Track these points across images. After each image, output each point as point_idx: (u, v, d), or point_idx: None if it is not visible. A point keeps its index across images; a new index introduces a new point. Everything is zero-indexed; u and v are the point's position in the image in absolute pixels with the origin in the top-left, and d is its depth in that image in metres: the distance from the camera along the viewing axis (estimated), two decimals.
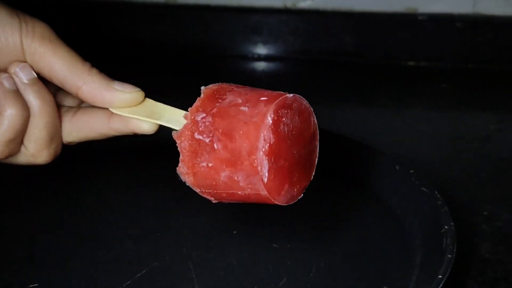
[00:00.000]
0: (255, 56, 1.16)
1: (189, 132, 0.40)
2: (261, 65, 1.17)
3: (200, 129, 0.39)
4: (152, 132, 0.45)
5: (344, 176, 0.65)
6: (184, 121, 0.41)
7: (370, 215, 0.58)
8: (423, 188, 0.57)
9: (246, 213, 0.56)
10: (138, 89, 0.44)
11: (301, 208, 0.58)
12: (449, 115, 0.92)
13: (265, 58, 1.16)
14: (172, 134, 0.42)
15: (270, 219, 0.57)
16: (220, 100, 0.40)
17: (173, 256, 0.50)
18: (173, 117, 0.43)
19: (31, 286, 0.46)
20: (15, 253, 0.51)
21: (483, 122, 0.88)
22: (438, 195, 0.55)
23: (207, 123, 0.39)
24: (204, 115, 0.39)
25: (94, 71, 0.43)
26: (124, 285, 0.46)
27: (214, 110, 0.39)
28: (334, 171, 0.66)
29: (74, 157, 0.66)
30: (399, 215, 0.57)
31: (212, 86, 0.42)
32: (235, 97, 0.40)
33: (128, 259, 0.50)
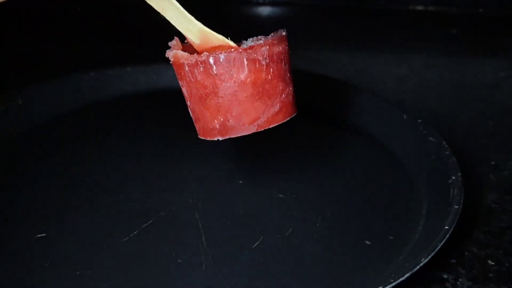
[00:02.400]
0: (260, 1, 1.13)
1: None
2: (265, 10, 1.15)
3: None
4: None
5: (351, 125, 0.64)
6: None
7: (377, 164, 0.58)
8: (431, 138, 0.56)
9: (251, 163, 0.56)
10: None
11: (307, 158, 0.59)
12: (457, 61, 0.90)
13: (270, 3, 1.13)
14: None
15: (275, 169, 0.57)
16: None
17: (179, 207, 0.50)
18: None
19: (39, 236, 0.46)
20: (21, 203, 0.51)
21: (492, 69, 0.86)
22: (446, 145, 0.54)
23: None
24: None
25: None
26: (130, 235, 0.47)
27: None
28: (340, 120, 0.65)
29: (77, 105, 0.67)
30: (406, 164, 0.56)
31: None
32: None
33: (134, 209, 0.50)
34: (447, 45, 0.95)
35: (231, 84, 0.38)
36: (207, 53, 0.37)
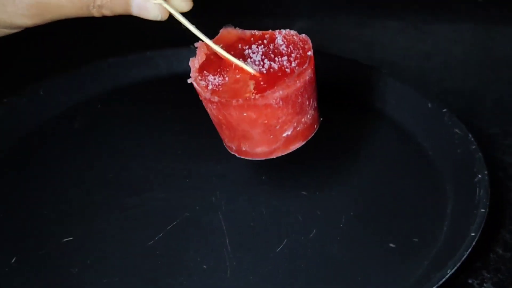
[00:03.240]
0: None
1: None
2: None
3: None
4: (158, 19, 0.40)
5: (375, 111, 0.63)
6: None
7: (402, 157, 0.57)
8: (456, 130, 0.55)
9: (273, 160, 0.56)
10: None
11: (330, 151, 0.58)
12: (484, 34, 0.87)
13: None
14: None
15: (298, 163, 0.56)
16: None
17: (202, 206, 0.50)
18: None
19: (65, 240, 0.47)
20: (44, 208, 0.51)
21: None
22: (472, 139, 0.53)
23: None
24: None
25: None
26: (156, 238, 0.47)
27: None
28: (364, 106, 0.64)
29: (98, 93, 0.66)
30: (432, 157, 0.56)
31: None
32: None
33: (159, 209, 0.50)
34: (473, 15, 0.91)
35: (243, 123, 0.38)
36: (218, 98, 0.37)
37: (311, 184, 0.53)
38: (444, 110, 0.58)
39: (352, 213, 0.49)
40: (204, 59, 0.41)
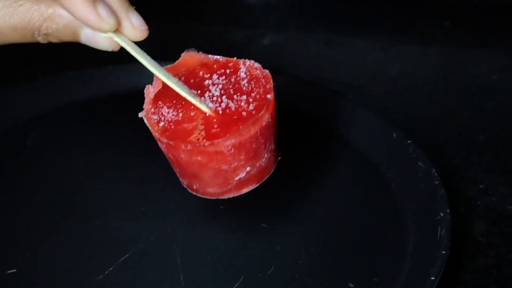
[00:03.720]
0: None
1: None
2: None
3: None
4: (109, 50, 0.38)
5: (339, 137, 0.62)
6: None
7: (365, 187, 0.56)
8: (420, 163, 0.54)
9: None
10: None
11: (292, 179, 0.56)
12: (451, 57, 0.87)
13: None
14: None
15: (258, 191, 0.54)
16: None
17: (157, 237, 0.48)
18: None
19: (8, 272, 0.44)
20: None
21: (487, 69, 0.84)
22: (435, 174, 0.52)
23: None
24: None
25: None
26: (106, 272, 0.45)
27: None
28: (328, 131, 0.63)
29: (53, 108, 0.64)
30: (395, 189, 0.54)
31: None
32: None
33: (111, 239, 0.48)
34: (441, 38, 0.92)
35: (192, 166, 0.36)
36: (167, 140, 0.36)
37: (271, 215, 0.51)
38: (408, 141, 0.57)
39: (312, 249, 0.48)
40: (160, 87, 0.39)
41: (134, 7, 0.37)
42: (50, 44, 0.38)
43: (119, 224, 0.50)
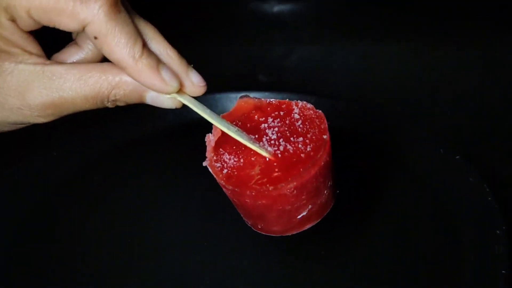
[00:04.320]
0: None
1: None
2: (286, 8, 1.12)
3: None
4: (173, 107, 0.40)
5: (384, 156, 0.63)
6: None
7: (418, 209, 0.56)
8: (471, 179, 0.55)
9: None
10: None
11: (348, 213, 0.55)
12: (491, 60, 0.87)
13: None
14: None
15: (319, 228, 0.54)
16: None
17: (223, 274, 0.50)
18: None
19: None
20: (58, 275, 0.50)
21: None
22: (487, 189, 0.53)
23: None
24: None
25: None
26: None
27: None
28: (374, 149, 0.64)
29: (105, 159, 0.66)
30: (449, 210, 0.55)
31: None
32: None
33: (178, 276, 0.50)
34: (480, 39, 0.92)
35: (257, 208, 0.38)
36: (232, 187, 0.38)
37: (333, 250, 0.52)
38: (457, 157, 0.58)
39: (373, 277, 0.49)
40: (220, 134, 0.41)
41: (192, 65, 0.39)
42: None
43: (184, 261, 0.51)
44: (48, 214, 0.58)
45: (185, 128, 0.69)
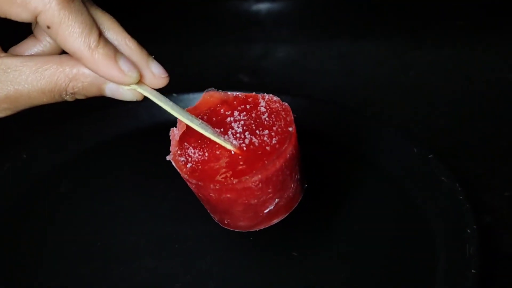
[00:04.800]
0: None
1: None
2: (264, 6, 1.11)
3: None
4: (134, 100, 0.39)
5: (358, 157, 0.63)
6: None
7: (389, 207, 0.56)
8: (443, 178, 0.55)
9: None
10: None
11: (317, 208, 0.56)
12: (465, 61, 0.88)
13: None
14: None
15: (286, 222, 0.55)
16: None
17: (193, 275, 0.49)
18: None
19: None
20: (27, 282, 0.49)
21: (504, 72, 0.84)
22: (459, 188, 0.53)
23: None
24: None
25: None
26: None
27: None
28: (346, 148, 0.64)
29: (77, 162, 0.65)
30: (420, 207, 0.55)
31: None
32: None
33: (147, 280, 0.49)
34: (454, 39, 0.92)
35: (222, 203, 0.37)
36: (195, 181, 0.37)
37: (302, 245, 0.52)
38: (430, 156, 0.58)
39: (343, 274, 0.49)
40: (185, 128, 0.40)
41: (153, 56, 0.39)
42: None
43: (154, 264, 0.50)
44: (17, 217, 0.57)
45: (155, 127, 0.68)
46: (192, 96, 0.68)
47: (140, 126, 0.69)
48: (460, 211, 0.51)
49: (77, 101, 0.39)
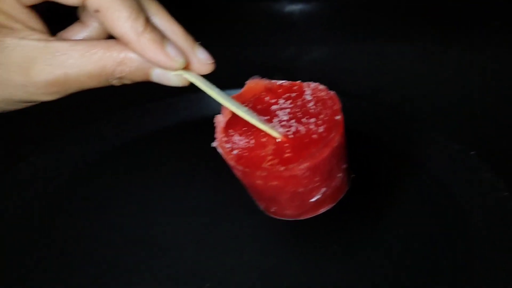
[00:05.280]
0: None
1: None
2: (297, 7, 1.12)
3: None
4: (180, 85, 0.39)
5: (398, 154, 0.62)
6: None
7: (433, 205, 0.55)
8: (487, 174, 0.54)
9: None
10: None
11: (364, 200, 0.55)
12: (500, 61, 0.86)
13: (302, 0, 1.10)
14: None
15: (333, 212, 0.54)
16: None
17: (236, 265, 0.49)
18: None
19: None
20: (70, 271, 0.50)
21: None
22: (502, 185, 0.52)
23: None
24: None
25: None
26: None
27: None
28: (389, 150, 0.63)
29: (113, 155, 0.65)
30: (464, 205, 0.53)
31: None
32: None
33: (189, 272, 0.48)
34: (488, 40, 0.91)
35: (269, 190, 0.37)
36: (242, 167, 0.36)
37: (347, 238, 0.51)
38: (472, 152, 0.57)
39: (386, 272, 0.48)
40: (230, 116, 0.40)
41: (199, 42, 0.38)
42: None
43: (197, 255, 0.50)
44: (49, 212, 0.57)
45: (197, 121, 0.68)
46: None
47: (180, 121, 0.69)
48: (505, 208, 0.50)
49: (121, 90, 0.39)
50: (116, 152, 0.64)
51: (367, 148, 0.63)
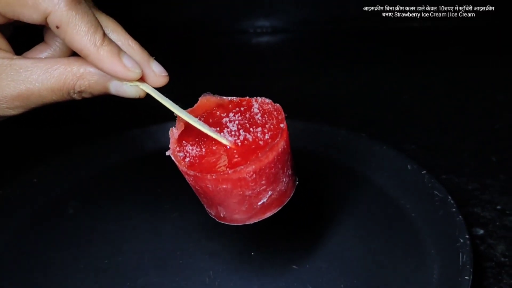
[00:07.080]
0: (258, 30, 1.13)
1: None
2: (264, 39, 1.15)
3: None
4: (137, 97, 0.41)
5: (353, 173, 0.65)
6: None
7: (384, 218, 0.58)
8: (436, 192, 0.57)
9: (261, 231, 0.57)
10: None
11: (308, 205, 0.59)
12: (454, 83, 0.91)
13: (268, 32, 1.13)
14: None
15: (285, 235, 0.57)
16: None
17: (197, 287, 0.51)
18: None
19: None
20: None
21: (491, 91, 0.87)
22: (452, 201, 0.55)
23: None
24: None
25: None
26: None
27: None
28: (344, 167, 0.67)
29: (84, 185, 0.68)
30: (414, 219, 0.57)
31: None
32: None
33: None
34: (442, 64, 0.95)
35: (219, 194, 0.39)
36: (193, 172, 0.38)
37: (300, 257, 0.53)
38: (423, 172, 0.60)
39: (342, 286, 0.51)
40: (183, 128, 0.42)
41: (154, 57, 0.41)
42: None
43: (160, 279, 0.52)
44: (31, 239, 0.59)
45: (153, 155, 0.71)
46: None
47: (144, 153, 0.72)
48: (453, 222, 0.52)
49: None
50: (81, 183, 0.67)
51: (324, 167, 0.66)
